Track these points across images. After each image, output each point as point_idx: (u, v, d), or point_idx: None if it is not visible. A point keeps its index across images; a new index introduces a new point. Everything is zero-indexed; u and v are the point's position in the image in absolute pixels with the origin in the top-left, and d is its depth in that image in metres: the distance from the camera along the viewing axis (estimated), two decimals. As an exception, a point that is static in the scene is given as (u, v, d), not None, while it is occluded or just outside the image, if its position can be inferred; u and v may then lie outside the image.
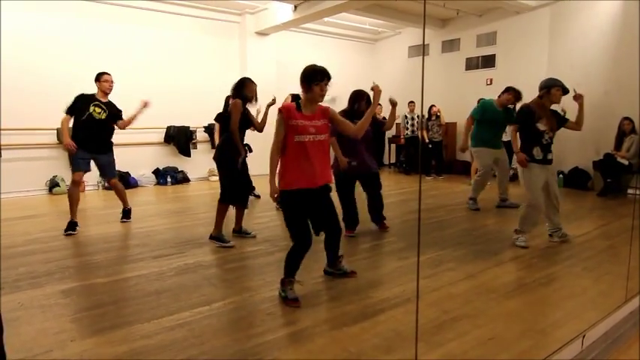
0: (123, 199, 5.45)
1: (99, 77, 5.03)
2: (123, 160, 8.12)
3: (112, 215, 5.74)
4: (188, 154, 9.00)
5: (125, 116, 5.15)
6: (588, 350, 2.47)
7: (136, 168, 8.39)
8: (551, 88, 4.23)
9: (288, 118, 2.93)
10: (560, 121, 4.39)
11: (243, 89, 4.40)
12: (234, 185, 4.43)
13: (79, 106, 4.91)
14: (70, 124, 4.96)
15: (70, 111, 4.92)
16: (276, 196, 3.00)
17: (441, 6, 9.15)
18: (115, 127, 5.16)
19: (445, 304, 2.98)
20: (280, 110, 2.97)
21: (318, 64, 3.04)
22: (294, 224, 3.00)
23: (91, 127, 4.94)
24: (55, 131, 7.14)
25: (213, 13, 9.30)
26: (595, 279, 3.49)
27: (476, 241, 4.55)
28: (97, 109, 4.96)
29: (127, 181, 8.05)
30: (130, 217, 5.49)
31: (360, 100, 4.53)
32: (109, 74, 5.05)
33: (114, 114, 5.09)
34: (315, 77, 2.94)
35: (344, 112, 4.45)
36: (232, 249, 4.27)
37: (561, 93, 4.23)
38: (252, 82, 4.48)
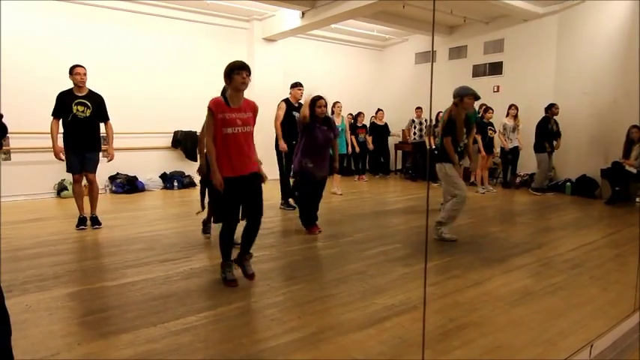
0: (94, 201, 5.26)
1: (71, 70, 5.00)
2: (130, 164, 8.23)
3: (119, 219, 5.77)
4: (195, 159, 9.03)
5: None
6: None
7: (143, 172, 8.44)
8: (464, 96, 4.38)
9: (217, 112, 3.17)
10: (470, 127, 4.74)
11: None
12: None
13: (63, 106, 4.96)
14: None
15: (57, 113, 4.97)
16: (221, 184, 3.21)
17: (448, 13, 9.17)
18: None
19: (451, 311, 2.96)
20: (210, 107, 3.19)
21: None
22: (227, 208, 3.31)
23: (77, 127, 5.00)
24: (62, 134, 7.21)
25: (222, 20, 9.37)
26: (603, 288, 3.46)
27: (482, 249, 4.53)
28: (80, 107, 5.00)
29: (134, 185, 8.11)
30: (99, 225, 5.25)
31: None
32: (81, 66, 5.03)
33: (97, 106, 5.10)
34: (234, 67, 3.18)
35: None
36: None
37: (473, 101, 4.45)
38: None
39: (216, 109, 3.19)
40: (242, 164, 3.28)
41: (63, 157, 5.05)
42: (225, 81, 3.28)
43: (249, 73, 3.25)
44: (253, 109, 3.38)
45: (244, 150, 3.28)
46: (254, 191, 3.38)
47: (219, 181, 3.20)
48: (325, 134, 4.91)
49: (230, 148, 3.21)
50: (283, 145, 6.18)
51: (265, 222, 5.70)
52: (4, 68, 6.75)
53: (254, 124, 3.40)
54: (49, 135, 5.07)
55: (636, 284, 3.19)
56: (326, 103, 4.93)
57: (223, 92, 4.30)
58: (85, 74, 5.05)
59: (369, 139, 10.41)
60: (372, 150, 10.51)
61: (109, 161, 5.25)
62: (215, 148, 3.22)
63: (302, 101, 5.55)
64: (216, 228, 4.06)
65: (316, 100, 4.84)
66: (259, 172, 3.45)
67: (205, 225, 4.85)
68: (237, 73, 3.18)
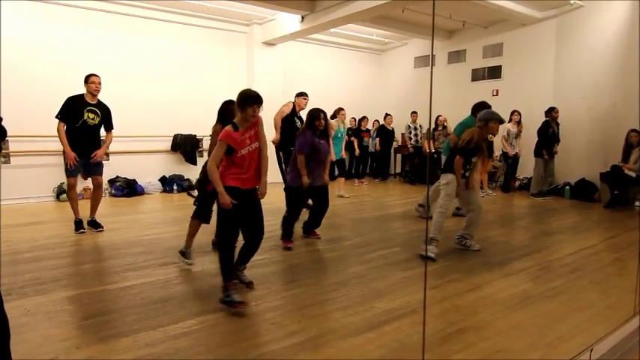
0: (96, 205, 5.32)
1: (87, 79, 5.10)
2: (130, 167, 8.23)
3: (118, 222, 5.76)
4: (194, 162, 9.04)
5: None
6: (596, 364, 2.45)
7: (142, 175, 8.43)
8: (489, 121, 4.40)
9: (229, 143, 3.14)
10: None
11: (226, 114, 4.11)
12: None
13: (72, 110, 5.00)
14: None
15: (65, 117, 4.99)
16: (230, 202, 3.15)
17: (447, 17, 9.20)
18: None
19: (451, 315, 2.96)
20: (222, 139, 3.14)
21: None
22: (226, 218, 3.19)
23: (86, 133, 5.05)
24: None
25: (222, 24, 9.39)
26: (602, 292, 3.46)
27: (481, 253, 4.52)
28: (91, 115, 5.07)
29: (133, 189, 8.10)
30: (102, 227, 5.30)
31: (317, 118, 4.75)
32: (96, 76, 5.12)
33: (106, 116, 5.19)
34: (247, 100, 3.15)
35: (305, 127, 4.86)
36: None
37: (498, 125, 4.47)
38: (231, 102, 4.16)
39: (227, 140, 3.15)
40: (250, 179, 3.28)
41: (77, 163, 5.04)
42: (238, 107, 3.24)
43: (261, 104, 3.24)
44: (256, 123, 3.34)
45: (253, 166, 3.30)
46: (254, 204, 3.33)
47: (228, 203, 3.14)
48: (325, 147, 4.92)
49: (243, 167, 3.24)
50: (276, 137, 6.38)
51: (265, 225, 5.70)
52: (3, 72, 6.76)
53: (260, 136, 3.34)
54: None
55: (636, 288, 3.19)
56: (325, 116, 4.90)
57: (221, 111, 4.24)
58: (99, 83, 5.12)
59: (377, 141, 10.55)
60: (378, 152, 10.71)
61: (92, 160, 5.17)
62: (225, 168, 3.22)
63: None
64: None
65: (317, 113, 4.79)
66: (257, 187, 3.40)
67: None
68: (249, 105, 3.17)
